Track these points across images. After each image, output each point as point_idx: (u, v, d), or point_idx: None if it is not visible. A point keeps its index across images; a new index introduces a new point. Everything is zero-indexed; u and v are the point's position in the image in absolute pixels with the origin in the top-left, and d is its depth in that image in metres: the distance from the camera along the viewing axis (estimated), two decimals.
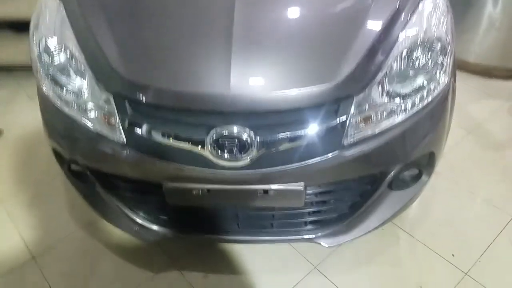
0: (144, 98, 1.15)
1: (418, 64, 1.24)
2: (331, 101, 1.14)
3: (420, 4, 1.27)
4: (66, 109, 1.27)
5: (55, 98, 1.28)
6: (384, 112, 1.20)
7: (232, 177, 1.19)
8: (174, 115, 1.16)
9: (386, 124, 1.21)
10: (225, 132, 1.12)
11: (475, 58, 2.75)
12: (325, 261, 1.67)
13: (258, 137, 1.13)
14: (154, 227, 1.51)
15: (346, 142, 1.18)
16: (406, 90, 1.23)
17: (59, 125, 1.33)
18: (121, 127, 1.20)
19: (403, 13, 1.24)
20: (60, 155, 1.44)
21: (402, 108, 1.22)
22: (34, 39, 1.32)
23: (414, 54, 1.23)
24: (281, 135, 1.14)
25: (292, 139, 1.14)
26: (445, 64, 1.25)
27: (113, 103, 1.19)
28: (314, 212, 1.44)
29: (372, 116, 1.19)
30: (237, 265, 1.67)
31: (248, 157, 1.15)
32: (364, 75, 1.16)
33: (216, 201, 1.33)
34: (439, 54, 1.25)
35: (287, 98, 1.11)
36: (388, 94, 1.20)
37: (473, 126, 2.34)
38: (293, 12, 1.29)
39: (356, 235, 1.48)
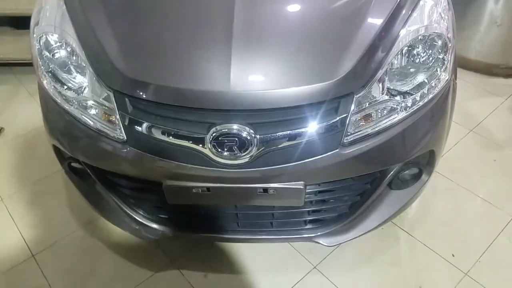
0: (144, 95, 1.15)
1: (419, 61, 1.24)
2: (331, 99, 1.13)
3: (421, 0, 1.27)
4: (66, 106, 1.27)
5: (55, 94, 1.28)
6: (384, 110, 1.20)
7: (231, 176, 1.19)
8: (174, 113, 1.16)
9: (386, 122, 1.20)
10: (225, 130, 1.12)
11: (476, 55, 2.74)
12: (325, 261, 1.67)
13: (258, 135, 1.13)
14: (154, 225, 1.51)
15: (346, 140, 1.18)
16: (406, 87, 1.23)
17: (60, 122, 1.33)
18: (121, 125, 1.20)
19: (404, 9, 1.24)
20: (60, 153, 1.44)
21: (403, 105, 1.21)
22: (34, 35, 1.32)
23: (415, 51, 1.23)
24: (281, 133, 1.14)
25: (292, 137, 1.14)
26: (446, 61, 1.25)
27: (113, 100, 1.19)
28: (314, 211, 1.44)
29: (372, 114, 1.19)
30: (237, 264, 1.67)
31: (248, 155, 1.15)
32: (364, 73, 1.16)
33: (216, 200, 1.33)
34: (440, 50, 1.24)
35: (287, 96, 1.11)
36: (388, 91, 1.20)
37: (474, 124, 2.33)
38: (293, 10, 1.29)
39: (356, 235, 1.48)
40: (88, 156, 1.33)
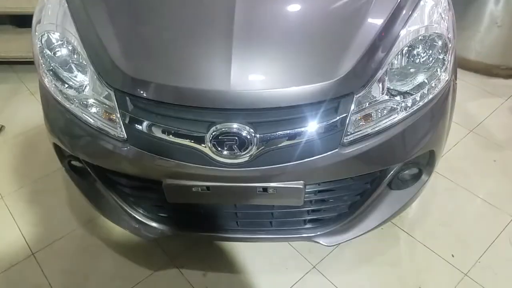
0: (145, 94, 1.15)
1: (419, 61, 1.24)
2: (331, 98, 1.13)
3: (422, 1, 1.27)
4: (67, 104, 1.27)
5: (56, 92, 1.29)
6: (384, 110, 1.20)
7: (231, 175, 1.19)
8: (174, 112, 1.16)
9: (386, 122, 1.21)
10: (225, 129, 1.12)
11: (476, 56, 2.74)
12: (324, 261, 1.67)
13: (258, 134, 1.13)
14: (154, 224, 1.51)
15: (346, 140, 1.18)
16: (406, 87, 1.23)
17: (60, 120, 1.33)
18: (121, 123, 1.20)
19: (405, 10, 1.24)
20: (60, 151, 1.44)
21: (403, 106, 1.21)
22: (36, 33, 1.32)
23: (415, 51, 1.23)
24: (281, 132, 1.14)
25: (291, 137, 1.14)
26: (446, 62, 1.25)
27: (114, 98, 1.20)
28: (313, 211, 1.44)
29: (372, 114, 1.19)
30: (236, 263, 1.67)
31: (248, 155, 1.15)
32: (364, 72, 1.16)
33: (216, 199, 1.33)
34: (440, 51, 1.25)
35: (287, 96, 1.11)
36: (388, 91, 1.20)
37: (474, 124, 2.33)
38: (294, 9, 1.29)
39: (355, 235, 1.48)
40: (89, 154, 1.33)
